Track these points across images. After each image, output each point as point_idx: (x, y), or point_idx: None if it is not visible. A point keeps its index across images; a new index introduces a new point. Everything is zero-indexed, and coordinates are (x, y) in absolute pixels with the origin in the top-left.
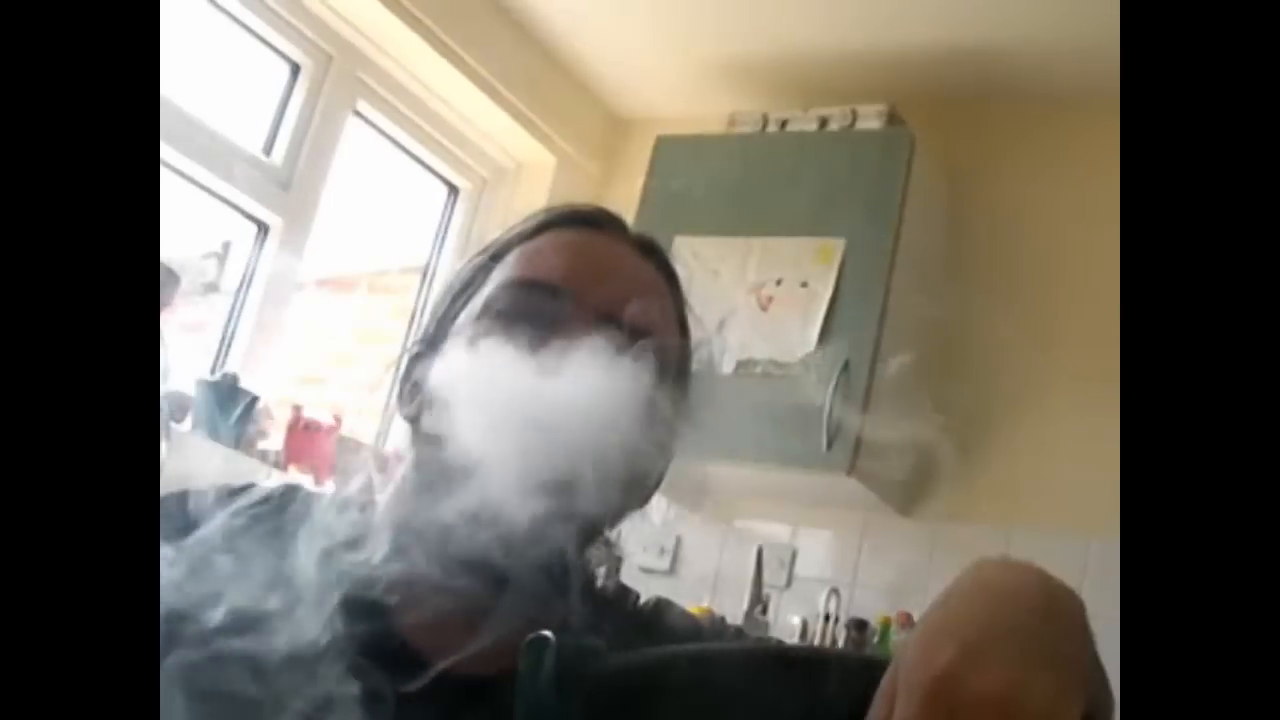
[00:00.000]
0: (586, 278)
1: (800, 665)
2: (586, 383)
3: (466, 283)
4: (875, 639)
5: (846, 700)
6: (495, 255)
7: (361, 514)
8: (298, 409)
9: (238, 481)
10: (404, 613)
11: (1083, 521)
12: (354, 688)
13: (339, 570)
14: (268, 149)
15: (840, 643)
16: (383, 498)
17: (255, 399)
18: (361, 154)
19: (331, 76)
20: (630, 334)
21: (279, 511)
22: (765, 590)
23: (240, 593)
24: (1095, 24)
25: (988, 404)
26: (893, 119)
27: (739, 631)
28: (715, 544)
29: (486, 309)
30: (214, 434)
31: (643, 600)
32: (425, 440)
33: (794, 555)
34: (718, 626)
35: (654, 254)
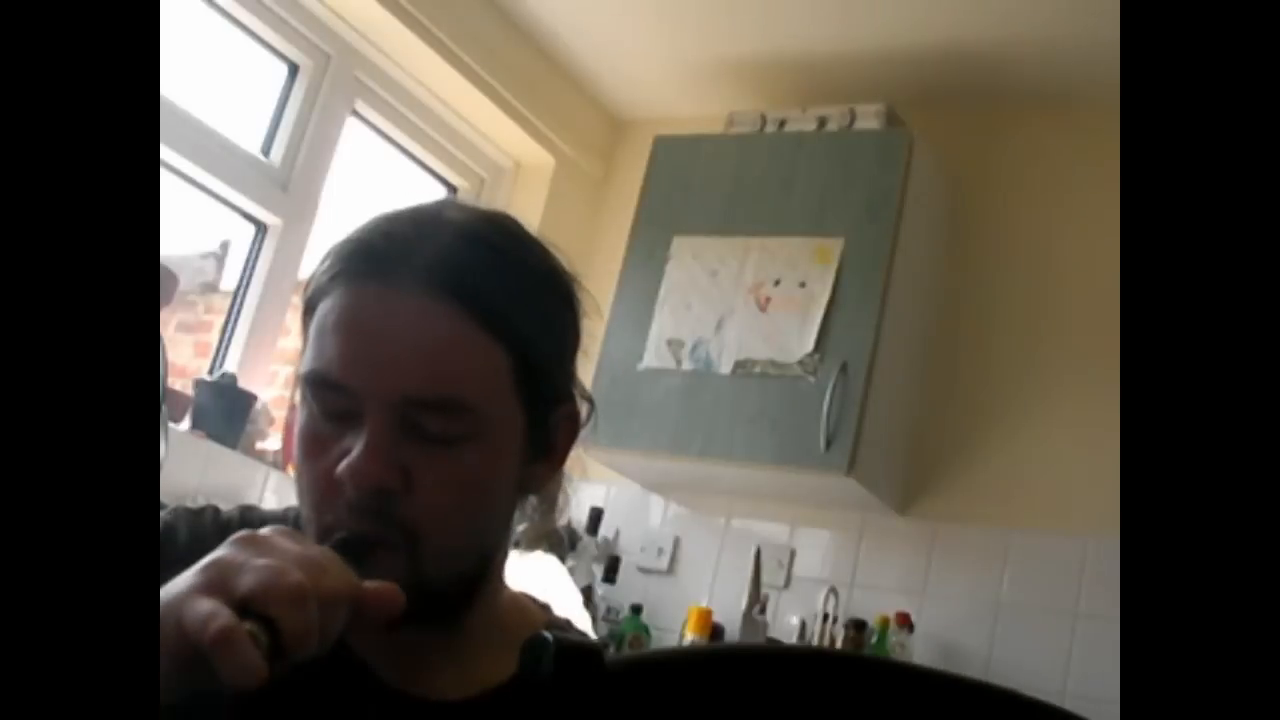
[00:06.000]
0: (367, 365)
1: (801, 664)
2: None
3: (303, 324)
4: (874, 639)
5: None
6: (309, 305)
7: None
8: (295, 409)
9: (202, 501)
10: (366, 645)
11: (1081, 521)
12: None
13: None
14: (266, 149)
15: (839, 643)
16: None
17: (254, 399)
18: (360, 154)
19: (330, 76)
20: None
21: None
22: (764, 590)
23: None
24: (1095, 24)
25: (986, 403)
26: (891, 119)
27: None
28: (714, 544)
29: (302, 399)
30: (212, 434)
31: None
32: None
33: (792, 555)
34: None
35: (462, 295)
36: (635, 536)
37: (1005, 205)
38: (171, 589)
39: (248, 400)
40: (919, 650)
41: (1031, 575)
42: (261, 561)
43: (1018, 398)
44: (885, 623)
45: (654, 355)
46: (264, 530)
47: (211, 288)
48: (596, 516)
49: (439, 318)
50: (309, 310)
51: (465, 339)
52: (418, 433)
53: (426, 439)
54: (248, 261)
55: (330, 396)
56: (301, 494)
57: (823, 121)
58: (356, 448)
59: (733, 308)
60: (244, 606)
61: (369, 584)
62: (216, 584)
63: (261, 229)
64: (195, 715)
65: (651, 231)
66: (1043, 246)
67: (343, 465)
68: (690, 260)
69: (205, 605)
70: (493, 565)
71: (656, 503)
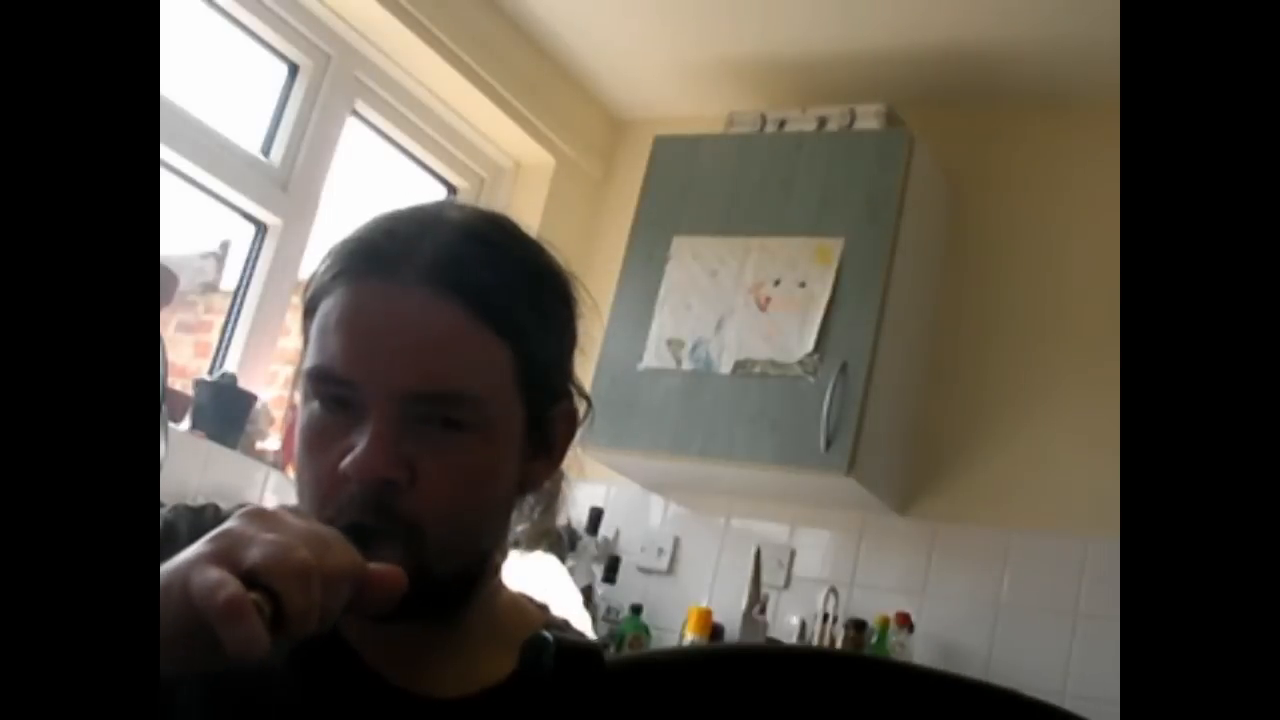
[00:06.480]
0: (370, 360)
1: (801, 664)
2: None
3: (303, 326)
4: (874, 639)
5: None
6: (310, 306)
7: None
8: (295, 409)
9: (201, 499)
10: (365, 642)
11: (1081, 521)
12: None
13: None
14: (266, 149)
15: (839, 642)
16: None
17: (254, 399)
18: (360, 154)
19: (330, 76)
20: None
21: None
22: (764, 590)
23: None
24: (1095, 24)
25: (986, 404)
26: (891, 119)
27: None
28: (714, 544)
29: (304, 397)
30: (212, 434)
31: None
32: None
33: (792, 555)
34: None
35: (465, 291)
36: (635, 536)
37: (1005, 205)
38: (179, 556)
39: (248, 400)
40: (919, 650)
41: (1031, 575)
42: (270, 536)
43: (1018, 398)
44: (885, 623)
45: (654, 355)
46: (273, 506)
47: (211, 288)
48: (596, 516)
49: (442, 313)
50: (310, 312)
51: (468, 334)
52: (421, 427)
53: (430, 433)
54: (248, 261)
55: (334, 392)
56: (302, 490)
57: (823, 121)
58: (361, 442)
59: (733, 308)
60: (250, 578)
61: (373, 565)
62: (224, 554)
63: (261, 229)
64: (197, 706)
65: (651, 231)
66: (1043, 246)
67: (348, 459)
68: (690, 260)
69: (214, 574)
70: (492, 562)
71: (656, 503)
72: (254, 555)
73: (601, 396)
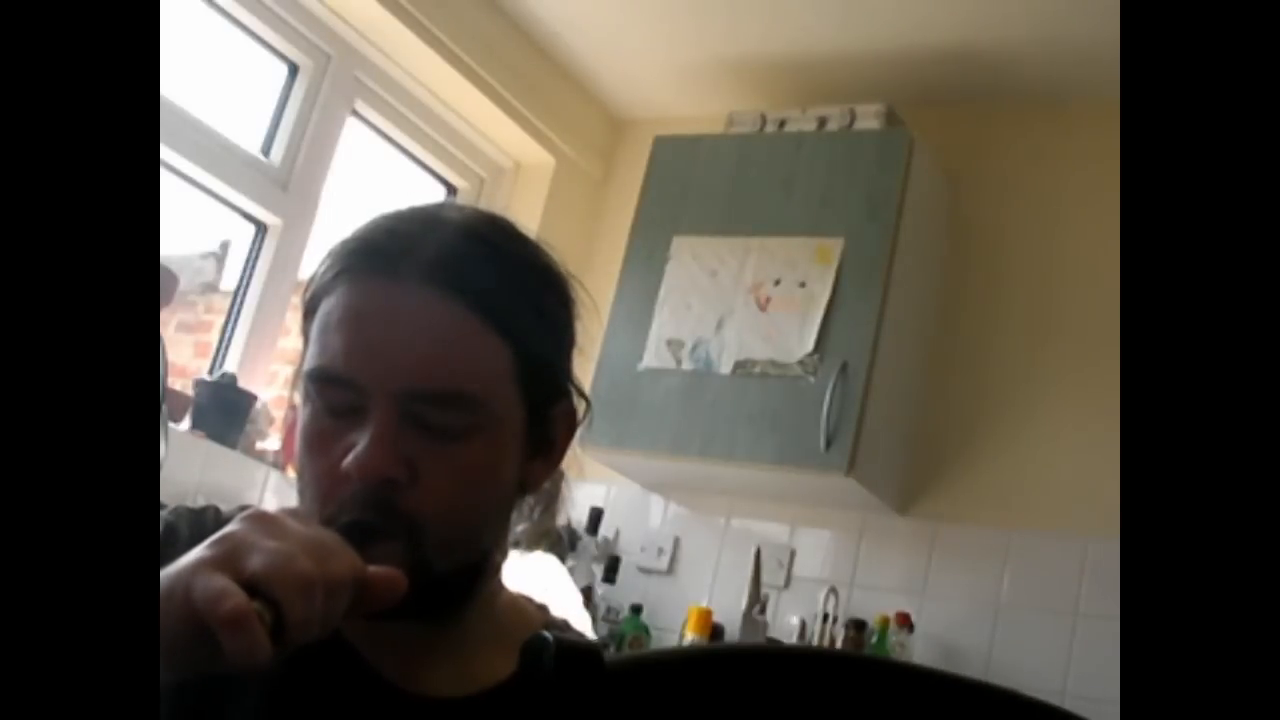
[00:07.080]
0: (372, 359)
1: (801, 664)
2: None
3: (303, 327)
4: (874, 639)
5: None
6: (310, 307)
7: None
8: (295, 409)
9: (203, 500)
10: (365, 641)
11: (1081, 521)
12: None
13: None
14: (266, 149)
15: (839, 642)
16: None
17: (254, 399)
18: (360, 154)
19: (330, 76)
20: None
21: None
22: (764, 590)
23: None
24: (1095, 24)
25: (986, 404)
26: (891, 119)
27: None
28: (714, 544)
29: (305, 397)
30: (212, 434)
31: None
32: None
33: (792, 555)
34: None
35: (466, 290)
36: (635, 536)
37: (1005, 205)
38: (181, 561)
39: (248, 400)
40: (919, 650)
41: (1031, 575)
42: (271, 544)
43: (1018, 398)
44: (885, 623)
45: (654, 355)
46: (274, 510)
47: (211, 288)
48: (596, 516)
49: (443, 312)
50: (310, 312)
51: (469, 333)
52: (422, 426)
53: (430, 432)
54: (248, 261)
55: (335, 391)
56: (303, 490)
57: (823, 121)
58: (362, 440)
59: (733, 308)
60: (251, 586)
61: (373, 569)
62: (226, 560)
63: (261, 229)
64: (197, 705)
65: (651, 231)
66: (1042, 246)
67: (349, 458)
68: (690, 260)
69: (218, 581)
70: (492, 562)
71: (656, 503)
72: (256, 563)
73: (601, 396)
